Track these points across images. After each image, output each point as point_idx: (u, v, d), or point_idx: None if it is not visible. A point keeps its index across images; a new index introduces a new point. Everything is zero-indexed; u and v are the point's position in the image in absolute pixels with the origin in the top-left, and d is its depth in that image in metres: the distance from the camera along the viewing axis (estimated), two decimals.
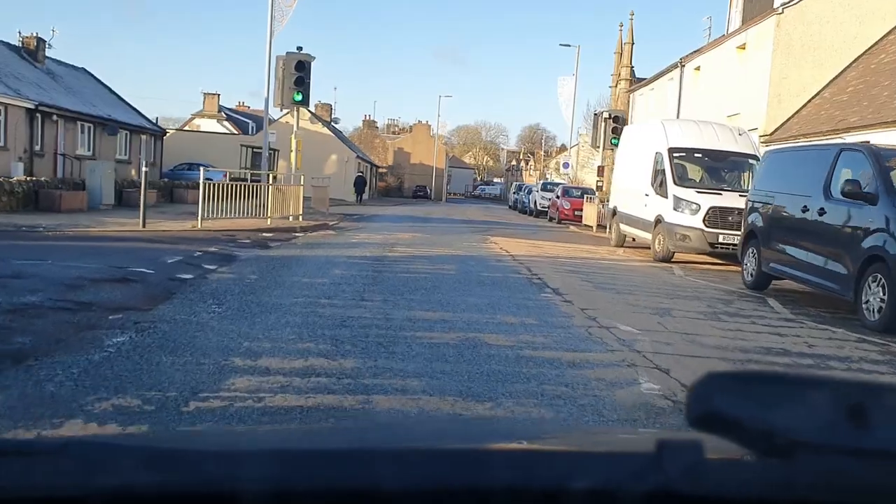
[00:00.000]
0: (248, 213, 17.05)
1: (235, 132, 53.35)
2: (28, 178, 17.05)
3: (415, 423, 2.51)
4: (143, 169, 14.65)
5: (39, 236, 12.02)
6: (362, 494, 0.73)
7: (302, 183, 19.67)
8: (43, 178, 17.93)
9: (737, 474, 0.73)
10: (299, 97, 19.17)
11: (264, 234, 15.54)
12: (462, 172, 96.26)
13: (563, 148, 79.45)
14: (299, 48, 19.18)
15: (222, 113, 57.77)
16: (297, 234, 16.28)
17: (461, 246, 15.58)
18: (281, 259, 11.29)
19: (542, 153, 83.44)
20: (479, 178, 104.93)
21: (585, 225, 26.92)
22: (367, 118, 73.45)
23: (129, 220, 16.25)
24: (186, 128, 53.70)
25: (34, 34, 30.43)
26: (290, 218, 18.75)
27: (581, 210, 28.25)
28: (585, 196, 28.71)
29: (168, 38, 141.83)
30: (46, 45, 30.97)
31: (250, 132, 52.66)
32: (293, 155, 20.10)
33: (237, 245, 12.92)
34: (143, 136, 35.23)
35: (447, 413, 4.18)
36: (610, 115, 25.99)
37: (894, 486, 0.70)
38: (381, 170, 64.81)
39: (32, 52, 30.12)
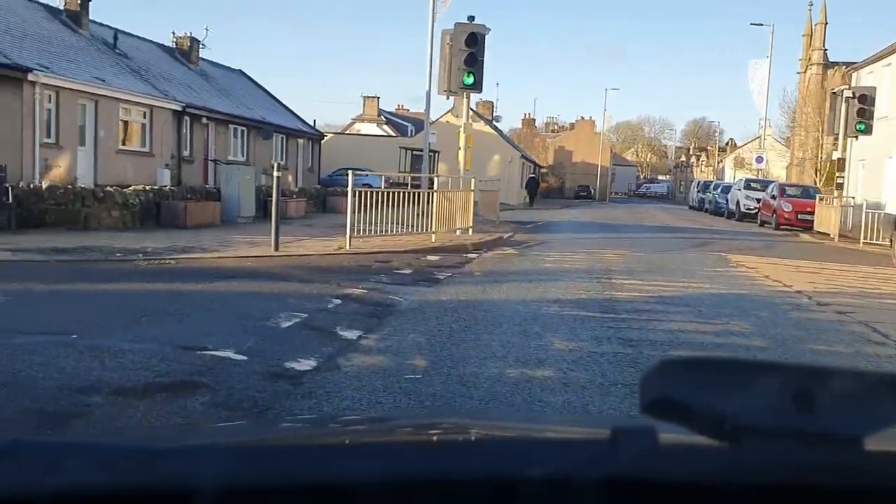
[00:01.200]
0: (408, 227, 13.05)
1: (394, 135, 50.67)
2: (146, 187, 13.86)
3: (370, 420, 2.19)
4: (275, 174, 10.94)
5: (124, 270, 8.48)
6: (317, 488, 0.71)
7: (473, 188, 15.46)
8: (167, 187, 14.75)
9: (688, 459, 0.74)
10: (470, 79, 14.99)
11: (429, 258, 11.44)
12: (625, 170, 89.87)
13: (732, 144, 71.55)
14: (471, 18, 14.99)
15: (382, 116, 55.33)
16: (470, 256, 12.09)
17: (703, 273, 10.76)
18: (457, 309, 7.03)
19: (717, 147, 75.63)
20: (641, 176, 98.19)
21: (820, 232, 21.08)
22: (528, 116, 68.87)
23: (262, 239, 12.65)
24: (346, 132, 51.58)
25: (188, 34, 28.31)
26: (458, 231, 14.61)
27: (809, 213, 22.38)
28: (816, 196, 22.80)
29: (331, 41, 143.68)
30: (200, 46, 28.80)
31: (409, 135, 49.81)
32: (461, 154, 15.94)
33: (393, 279, 8.84)
34: (300, 140, 32.60)
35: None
36: (854, 94, 20.00)
37: (836, 466, 0.69)
38: (542, 170, 60.27)
39: (186, 52, 28.00)
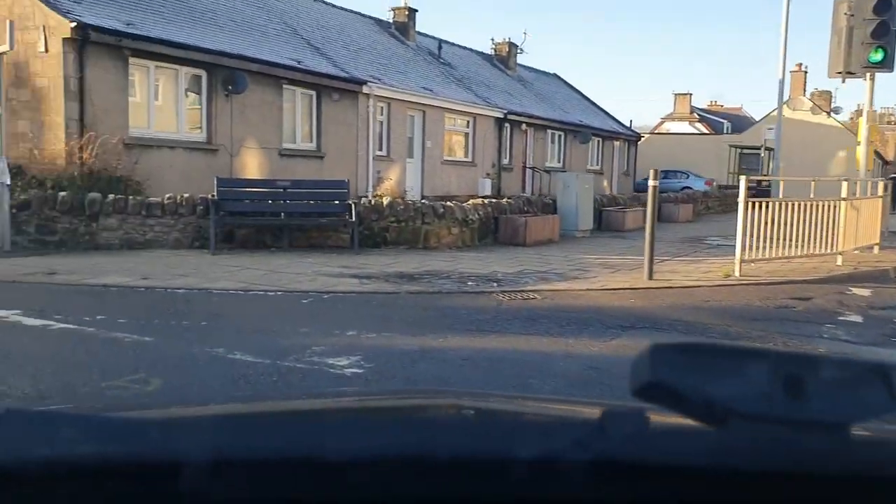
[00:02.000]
0: (799, 245, 10.00)
1: (707, 133, 46.23)
2: (484, 201, 12.36)
3: (360, 393, 2.23)
4: (651, 183, 8.61)
5: (486, 310, 6.70)
6: (305, 462, 0.70)
7: (881, 193, 11.86)
8: (504, 200, 13.17)
9: (676, 443, 0.74)
10: (878, 56, 11.50)
11: (857, 292, 8.39)
12: None
13: None
14: None
15: (694, 114, 50.99)
16: None
17: None
18: None
19: None
20: None
21: None
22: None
23: (618, 261, 10.48)
24: (656, 132, 48.20)
25: (506, 40, 27.39)
26: (860, 249, 11.17)
27: None
28: None
29: (637, 41, 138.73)
30: (517, 51, 27.74)
31: (725, 132, 45.08)
32: (860, 150, 12.41)
33: (853, 334, 6.09)
34: (616, 143, 30.26)
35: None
36: None
37: (824, 452, 0.70)
38: (886, 165, 51.43)
39: (504, 59, 27.07)
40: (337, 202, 11.11)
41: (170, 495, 0.67)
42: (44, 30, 11.26)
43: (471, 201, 12.19)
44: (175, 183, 11.81)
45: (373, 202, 11.29)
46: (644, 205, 19.29)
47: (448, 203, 11.54)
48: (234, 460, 0.69)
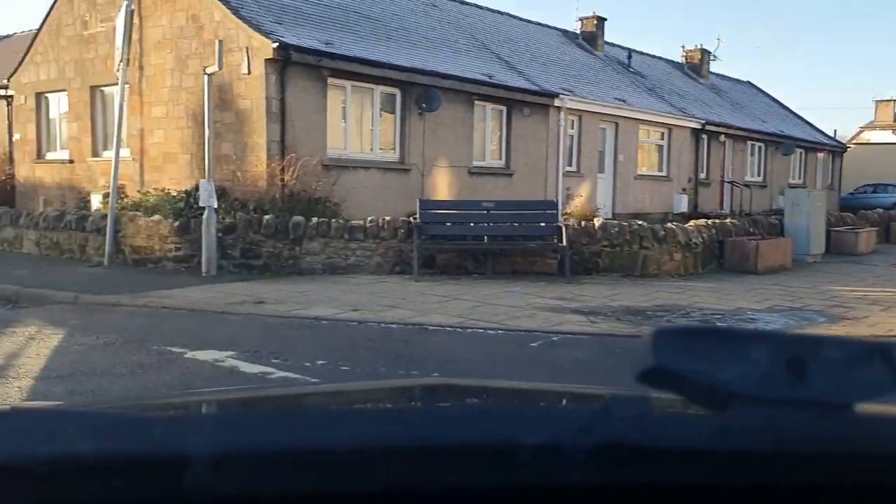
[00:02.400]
0: None
1: None
2: (707, 222, 10.91)
3: (365, 386, 2.05)
4: None
5: None
6: (311, 456, 0.69)
7: None
8: (729, 221, 11.62)
9: (680, 426, 0.74)
10: None
11: None
12: None
13: None
14: None
15: None
16: None
17: None
18: None
19: None
20: None
21: None
22: None
23: (874, 292, 8.75)
24: (853, 142, 43.71)
25: (698, 47, 25.47)
26: None
27: None
28: None
29: (829, 44, 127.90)
30: (710, 58, 25.73)
31: None
32: None
33: None
34: (820, 155, 27.33)
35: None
36: None
37: (827, 433, 0.70)
38: None
39: (696, 66, 25.16)
40: (543, 224, 10.13)
41: (174, 491, 0.66)
42: (247, 51, 11.18)
43: (692, 222, 10.78)
44: (368, 204, 11.36)
45: (583, 224, 10.18)
46: (873, 223, 16.92)
47: (669, 225, 10.23)
48: (239, 455, 0.68)
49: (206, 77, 9.49)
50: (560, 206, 15.69)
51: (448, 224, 10.20)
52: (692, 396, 0.70)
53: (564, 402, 1.09)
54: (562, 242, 9.54)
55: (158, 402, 1.38)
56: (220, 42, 9.35)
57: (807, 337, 0.81)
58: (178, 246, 9.56)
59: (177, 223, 9.58)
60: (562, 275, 9.41)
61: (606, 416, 0.74)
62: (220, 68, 9.32)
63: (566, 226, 9.82)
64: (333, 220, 9.66)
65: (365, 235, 9.57)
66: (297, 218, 9.47)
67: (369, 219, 9.74)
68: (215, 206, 9.07)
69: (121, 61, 9.93)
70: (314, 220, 9.48)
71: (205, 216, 9.01)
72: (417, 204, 10.00)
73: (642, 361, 0.69)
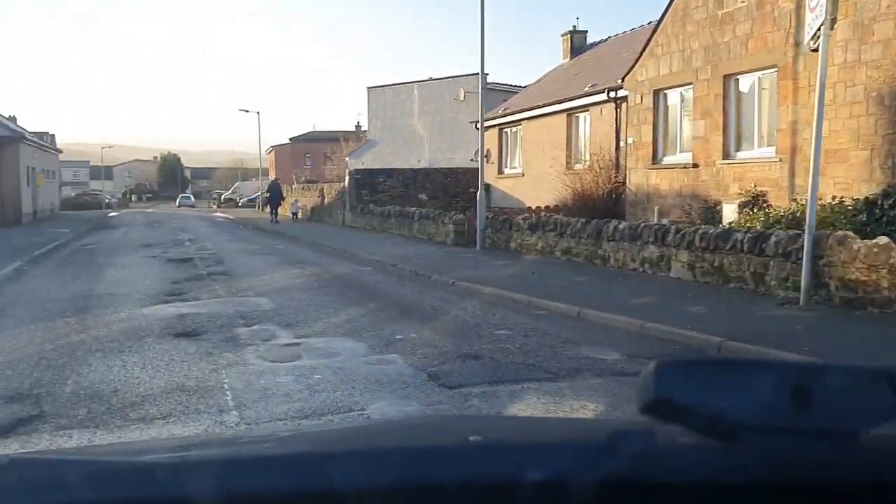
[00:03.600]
0: None
1: None
2: None
3: (367, 425, 2.19)
4: None
5: None
6: (316, 497, 0.69)
7: None
8: None
9: (686, 459, 0.72)
10: None
11: None
12: None
13: None
14: None
15: None
16: None
17: None
18: None
19: None
20: None
21: None
22: None
23: None
24: None
25: None
26: None
27: None
28: None
29: None
30: None
31: None
32: None
33: None
34: None
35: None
36: None
37: (833, 462, 0.68)
38: None
39: None
40: None
41: None
42: None
43: None
44: None
45: None
46: None
47: None
48: (244, 499, 0.66)
49: None
50: None
51: None
52: (697, 428, 0.68)
53: (569, 436, 1.02)
54: None
55: (160, 445, 1.33)
56: None
57: (811, 365, 0.75)
58: None
59: None
60: None
61: (612, 450, 0.72)
62: None
63: None
64: None
65: None
66: None
67: None
68: None
69: (822, 24, 7.04)
70: None
71: None
72: None
73: (645, 393, 0.66)
